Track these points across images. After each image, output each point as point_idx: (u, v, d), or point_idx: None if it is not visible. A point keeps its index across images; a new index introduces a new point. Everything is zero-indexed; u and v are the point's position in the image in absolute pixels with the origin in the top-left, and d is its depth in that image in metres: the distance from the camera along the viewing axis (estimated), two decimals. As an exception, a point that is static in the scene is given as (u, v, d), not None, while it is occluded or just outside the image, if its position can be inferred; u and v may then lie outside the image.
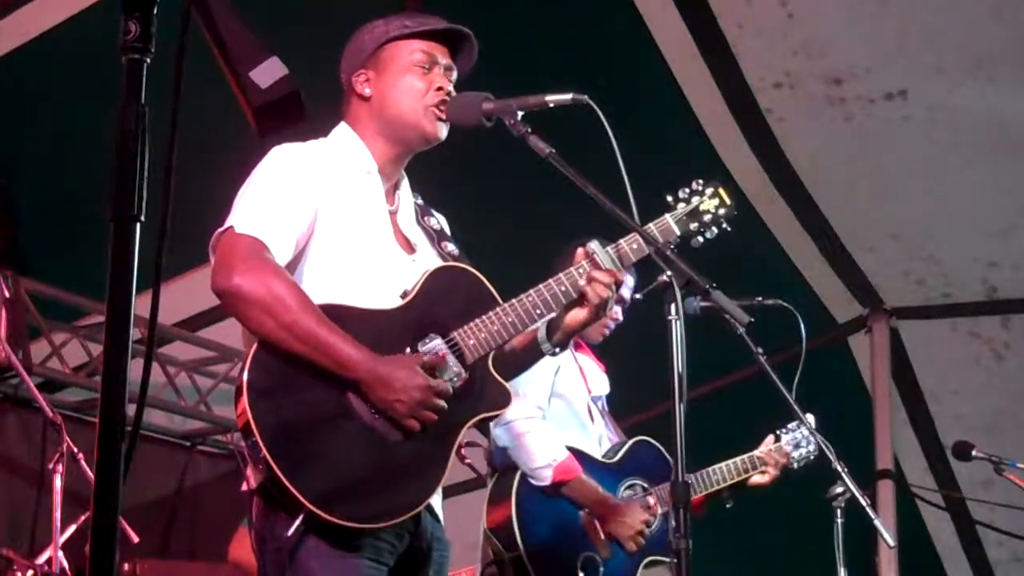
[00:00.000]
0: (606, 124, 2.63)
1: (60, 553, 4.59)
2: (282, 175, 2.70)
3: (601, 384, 4.32)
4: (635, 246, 2.79)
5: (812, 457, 4.37)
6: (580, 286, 2.73)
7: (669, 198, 2.92)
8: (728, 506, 4.26)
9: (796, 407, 3.02)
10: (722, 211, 2.93)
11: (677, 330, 2.63)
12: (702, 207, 2.91)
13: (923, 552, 7.40)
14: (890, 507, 6.78)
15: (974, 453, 4.93)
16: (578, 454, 3.99)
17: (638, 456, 4.18)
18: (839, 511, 3.91)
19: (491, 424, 3.87)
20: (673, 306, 2.64)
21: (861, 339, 7.09)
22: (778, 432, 4.36)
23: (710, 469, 4.18)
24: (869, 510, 3.03)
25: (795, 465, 4.35)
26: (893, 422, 6.97)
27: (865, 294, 6.93)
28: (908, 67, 5.55)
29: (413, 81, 2.81)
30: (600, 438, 4.21)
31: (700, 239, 2.92)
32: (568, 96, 2.71)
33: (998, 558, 7.46)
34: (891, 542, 3.17)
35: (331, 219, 2.70)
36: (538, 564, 3.82)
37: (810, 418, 4.38)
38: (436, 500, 2.74)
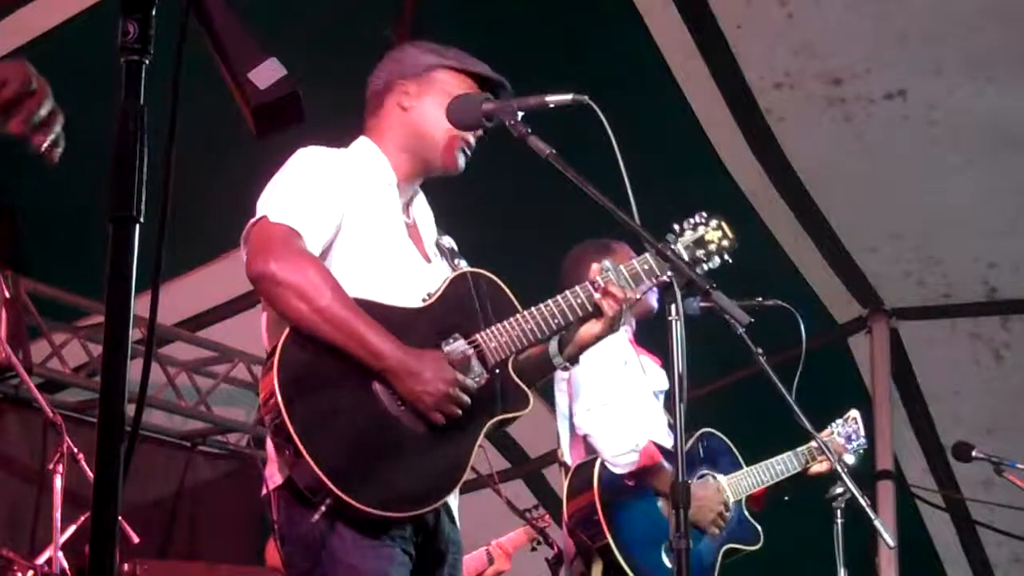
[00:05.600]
0: (606, 124, 2.64)
1: (60, 553, 4.58)
2: (314, 174, 2.76)
3: (660, 380, 4.35)
4: (646, 267, 2.88)
5: (862, 451, 4.50)
6: (596, 299, 2.80)
7: (676, 227, 3.06)
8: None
9: (796, 408, 3.01)
10: (725, 243, 3.09)
11: (677, 330, 2.64)
12: (706, 237, 3.07)
13: (923, 552, 7.40)
14: (890, 507, 6.78)
15: (974, 453, 4.93)
16: (654, 443, 4.01)
17: (707, 446, 4.21)
18: (839, 511, 3.92)
19: (573, 416, 3.92)
20: (673, 306, 2.65)
21: (861, 339, 7.09)
22: (830, 426, 4.43)
23: (773, 460, 4.20)
24: (869, 510, 3.03)
25: (851, 457, 4.39)
26: (893, 422, 6.97)
27: (865, 294, 6.92)
28: (908, 67, 5.54)
29: None
30: (663, 431, 4.22)
31: (705, 267, 3.06)
32: (568, 96, 2.73)
33: (998, 559, 7.46)
34: (891, 542, 3.17)
35: (354, 226, 2.76)
36: (625, 551, 3.81)
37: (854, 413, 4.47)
38: (453, 502, 2.80)
